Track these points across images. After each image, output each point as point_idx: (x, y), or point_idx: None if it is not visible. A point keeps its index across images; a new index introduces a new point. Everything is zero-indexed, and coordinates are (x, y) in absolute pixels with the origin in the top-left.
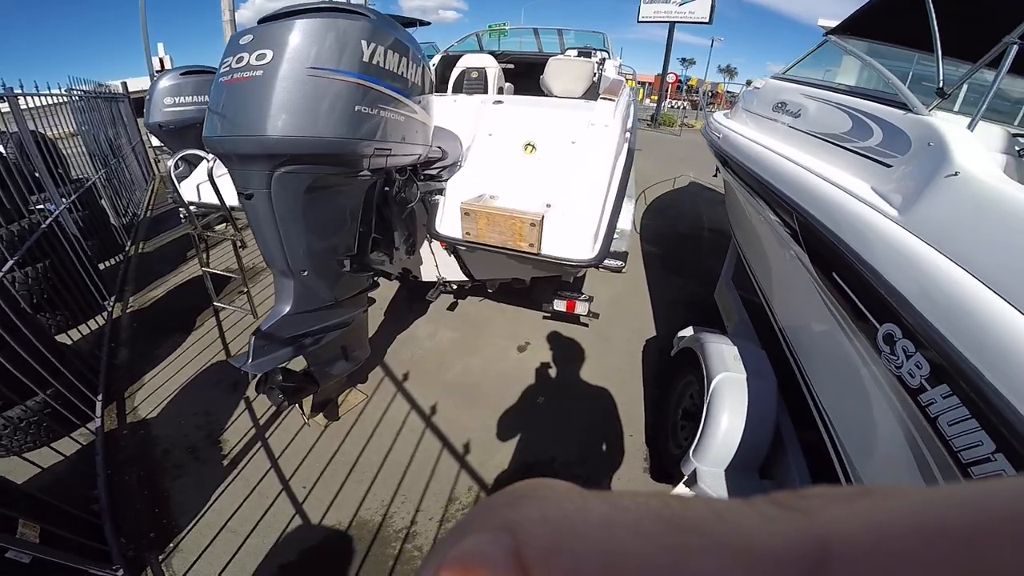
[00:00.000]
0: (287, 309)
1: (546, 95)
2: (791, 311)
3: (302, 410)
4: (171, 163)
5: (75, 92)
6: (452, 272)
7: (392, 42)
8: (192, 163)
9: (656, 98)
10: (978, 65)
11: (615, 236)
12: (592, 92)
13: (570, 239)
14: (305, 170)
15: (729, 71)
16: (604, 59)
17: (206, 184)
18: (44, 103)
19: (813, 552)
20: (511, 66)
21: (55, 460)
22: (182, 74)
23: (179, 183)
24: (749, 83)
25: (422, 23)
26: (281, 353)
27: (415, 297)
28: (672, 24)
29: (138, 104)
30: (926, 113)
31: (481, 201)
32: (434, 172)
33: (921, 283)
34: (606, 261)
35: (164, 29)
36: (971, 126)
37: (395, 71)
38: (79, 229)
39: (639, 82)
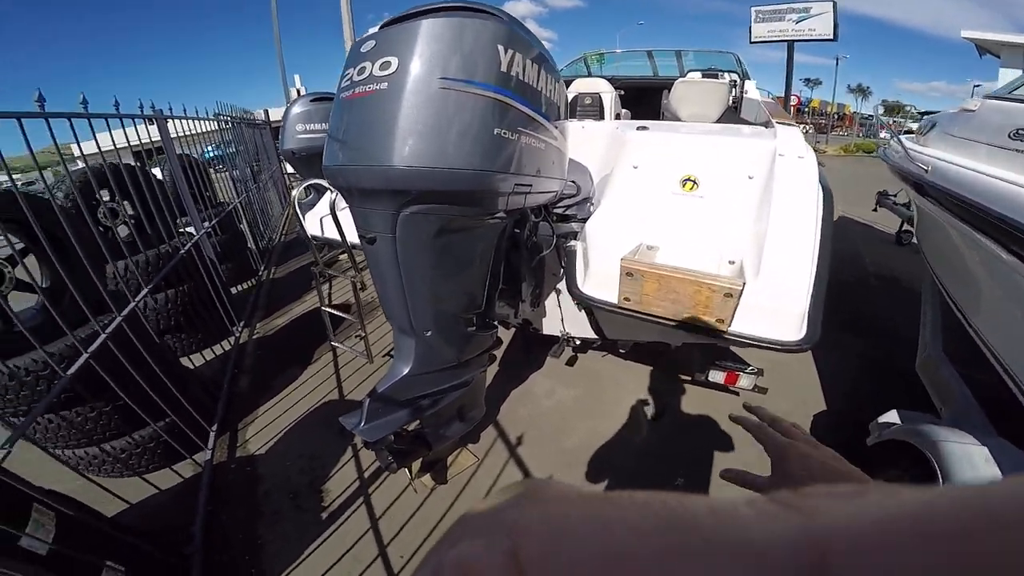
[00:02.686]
0: (406, 371)
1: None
2: None
3: (409, 471)
4: (295, 194)
5: (223, 118)
6: (580, 328)
7: (528, 49)
8: (320, 192)
9: None
10: None
11: None
12: (730, 118)
13: (772, 313)
14: (435, 211)
15: (862, 91)
16: (735, 81)
17: (329, 217)
18: (194, 128)
19: (811, 552)
20: (621, 92)
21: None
22: (311, 100)
23: (304, 214)
24: (889, 109)
25: None
26: (397, 417)
27: (531, 347)
28: (791, 43)
29: (276, 133)
30: None
31: (639, 254)
32: (563, 211)
33: None
34: None
35: (301, 62)
36: None
37: (535, 86)
38: (216, 253)
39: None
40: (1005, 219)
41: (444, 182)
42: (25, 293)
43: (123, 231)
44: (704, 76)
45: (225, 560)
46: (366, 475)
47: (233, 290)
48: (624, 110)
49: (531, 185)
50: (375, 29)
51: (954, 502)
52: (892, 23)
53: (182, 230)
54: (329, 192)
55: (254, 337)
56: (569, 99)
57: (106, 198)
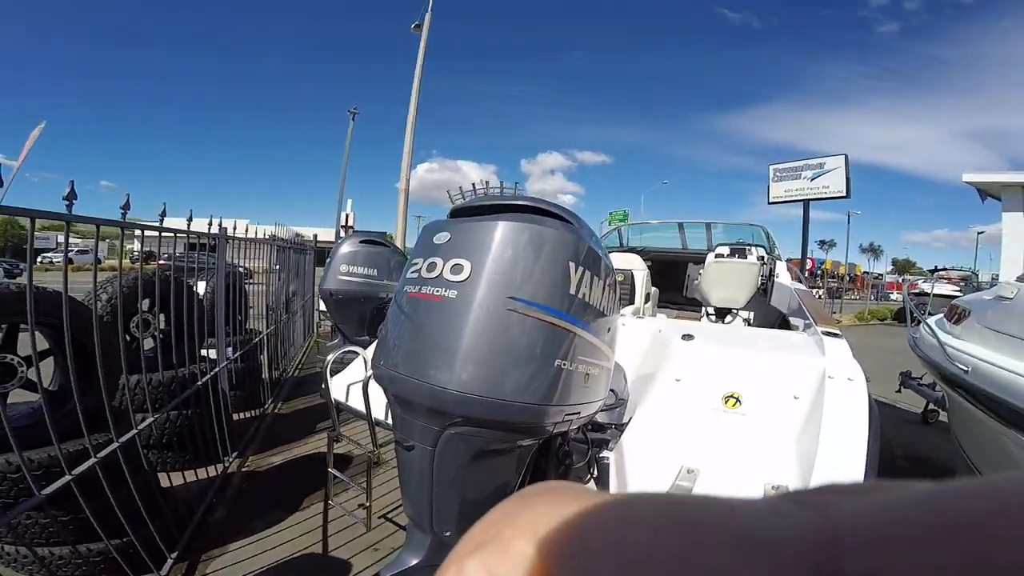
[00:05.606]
0: (415, 562)
1: (697, 302)
2: None
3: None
4: (330, 358)
5: (277, 241)
6: None
7: (594, 262)
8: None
9: None
10: None
11: None
12: (757, 302)
13: None
14: (481, 434)
15: (873, 250)
16: (762, 257)
17: (357, 387)
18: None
19: (824, 545)
20: (649, 263)
21: None
22: (361, 242)
23: (331, 377)
24: (899, 267)
25: None
26: None
27: None
28: (807, 203)
29: (319, 255)
30: None
31: (679, 479)
32: (598, 420)
33: None
34: None
35: (348, 184)
36: None
37: (595, 305)
38: (232, 382)
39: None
40: None
41: (497, 412)
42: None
43: (148, 343)
44: (733, 250)
45: None
46: None
47: (238, 416)
48: (654, 288)
49: (579, 412)
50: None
51: (965, 495)
52: (895, 169)
53: (204, 353)
54: (363, 360)
55: (243, 470)
56: None
57: (145, 308)
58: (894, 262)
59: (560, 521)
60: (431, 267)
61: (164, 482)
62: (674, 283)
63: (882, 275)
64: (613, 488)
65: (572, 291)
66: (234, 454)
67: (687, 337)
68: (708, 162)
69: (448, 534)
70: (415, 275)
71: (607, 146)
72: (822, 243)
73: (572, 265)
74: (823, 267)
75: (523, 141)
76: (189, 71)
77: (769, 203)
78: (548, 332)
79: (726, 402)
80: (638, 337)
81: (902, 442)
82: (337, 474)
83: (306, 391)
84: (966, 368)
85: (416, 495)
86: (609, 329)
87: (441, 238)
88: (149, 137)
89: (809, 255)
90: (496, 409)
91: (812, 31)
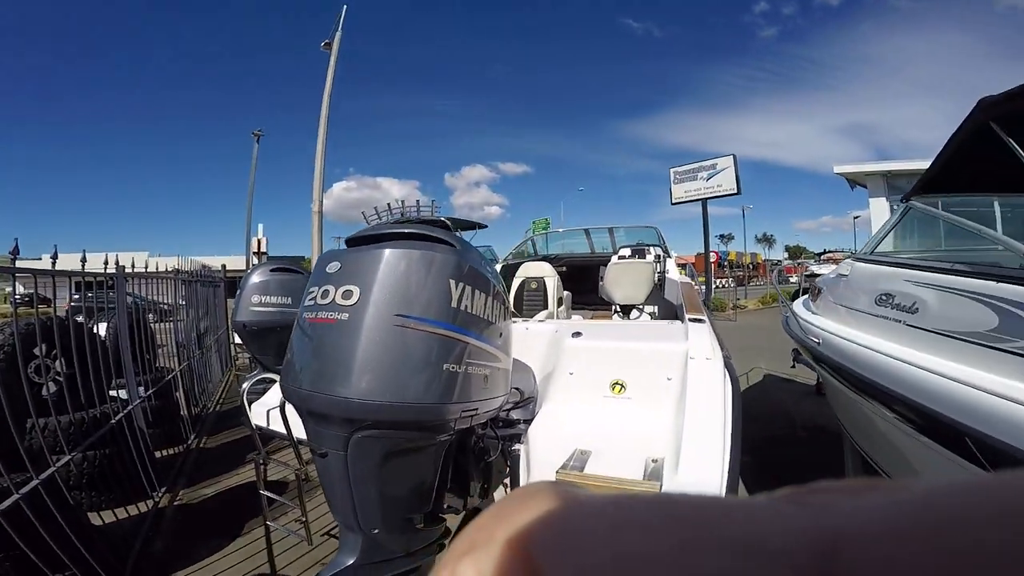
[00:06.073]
0: (351, 562)
1: (608, 302)
2: None
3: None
4: (245, 387)
5: (182, 275)
6: None
7: (476, 278)
8: (268, 382)
9: (703, 280)
10: None
11: None
12: (656, 296)
13: None
14: (387, 435)
15: (767, 239)
16: (659, 256)
17: (276, 411)
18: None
19: (822, 546)
20: (563, 269)
21: None
22: (271, 270)
23: (250, 407)
24: (792, 253)
25: (480, 226)
26: None
27: None
28: (704, 201)
29: (230, 286)
30: None
31: (573, 461)
32: (511, 417)
33: None
34: None
35: (261, 208)
36: None
37: (480, 315)
38: (148, 419)
39: (679, 264)
40: (888, 392)
41: (397, 414)
42: None
43: (51, 387)
44: (633, 251)
45: None
46: None
47: (160, 453)
48: (566, 292)
49: (477, 408)
50: (341, 245)
51: (964, 493)
52: (779, 164)
53: (114, 394)
54: (278, 385)
55: (175, 503)
56: (517, 284)
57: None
58: (787, 248)
59: (554, 522)
60: (325, 294)
61: (95, 521)
62: (589, 285)
63: (780, 261)
64: (523, 475)
65: (454, 304)
66: (163, 489)
67: (576, 335)
68: (619, 167)
69: (376, 532)
70: (311, 303)
71: (528, 156)
72: (722, 237)
73: (453, 282)
74: (728, 259)
75: (446, 155)
76: (68, 85)
77: (672, 204)
78: (438, 342)
79: (613, 389)
80: (540, 339)
81: (800, 412)
82: (270, 495)
83: (230, 424)
84: (818, 340)
85: (339, 499)
86: (501, 334)
87: (333, 267)
88: (21, 160)
89: (713, 249)
90: (397, 411)
91: (704, 38)
